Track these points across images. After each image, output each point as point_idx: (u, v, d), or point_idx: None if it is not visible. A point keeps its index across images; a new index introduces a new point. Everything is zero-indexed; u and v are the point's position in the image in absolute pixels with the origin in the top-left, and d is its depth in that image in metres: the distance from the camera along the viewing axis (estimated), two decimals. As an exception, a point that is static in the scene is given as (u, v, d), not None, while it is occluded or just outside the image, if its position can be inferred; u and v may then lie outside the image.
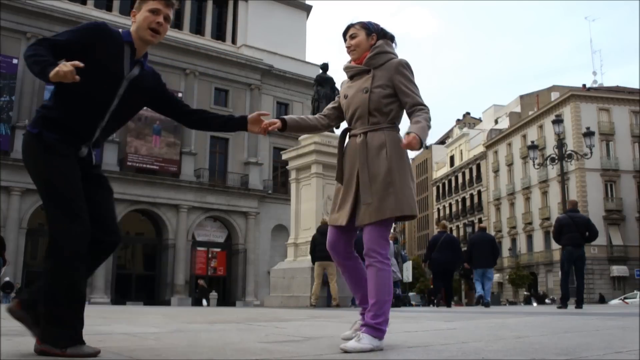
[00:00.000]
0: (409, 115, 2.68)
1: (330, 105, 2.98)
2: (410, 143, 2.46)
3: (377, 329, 2.45)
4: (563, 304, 9.50)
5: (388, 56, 2.75)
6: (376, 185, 2.58)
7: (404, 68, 2.70)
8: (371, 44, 2.78)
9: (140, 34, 2.43)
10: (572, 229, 9.13)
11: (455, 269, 12.27)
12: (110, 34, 2.38)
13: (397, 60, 2.73)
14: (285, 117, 2.81)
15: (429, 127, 2.60)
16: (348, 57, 2.88)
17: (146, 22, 2.41)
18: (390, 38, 2.85)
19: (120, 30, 2.47)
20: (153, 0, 2.42)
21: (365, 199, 2.59)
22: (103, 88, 2.35)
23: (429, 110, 2.67)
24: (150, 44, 2.47)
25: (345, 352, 2.33)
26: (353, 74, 2.81)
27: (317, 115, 2.96)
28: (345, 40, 2.85)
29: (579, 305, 9.20)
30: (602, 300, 35.56)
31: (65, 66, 2.06)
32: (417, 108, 2.65)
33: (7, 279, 14.41)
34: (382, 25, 2.88)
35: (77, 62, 2.10)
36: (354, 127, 2.73)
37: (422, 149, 2.58)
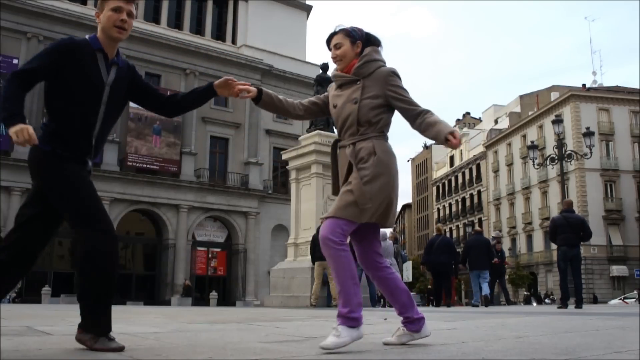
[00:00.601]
0: (422, 121, 2.63)
1: (312, 99, 2.92)
2: (457, 138, 2.50)
3: (350, 318, 2.43)
4: (563, 304, 9.55)
5: (377, 64, 2.72)
6: (355, 188, 2.56)
7: (395, 77, 2.68)
8: (357, 52, 2.74)
9: (107, 33, 2.50)
10: (567, 230, 9.25)
11: (451, 270, 12.52)
12: (79, 48, 2.45)
13: (386, 70, 2.70)
14: (263, 89, 2.78)
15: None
16: None
17: (110, 21, 2.48)
18: (376, 43, 2.80)
19: (87, 36, 2.53)
20: None
21: (340, 198, 2.60)
22: (88, 100, 2.45)
23: None
24: (118, 41, 2.54)
25: (326, 349, 2.31)
26: (341, 83, 2.76)
27: (296, 102, 2.91)
28: (329, 48, 2.80)
29: (578, 305, 9.25)
30: (595, 300, 35.56)
31: (22, 134, 2.19)
32: (425, 111, 2.65)
33: None
34: (365, 30, 2.83)
35: (33, 137, 2.23)
36: (344, 137, 2.71)
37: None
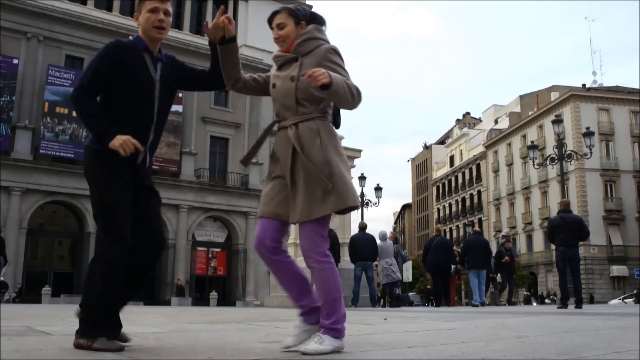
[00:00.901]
0: None
1: (254, 76, 2.71)
2: (315, 72, 2.26)
3: (334, 329, 2.35)
4: (563, 304, 9.56)
5: (317, 42, 2.54)
6: (314, 180, 2.39)
7: (333, 53, 2.51)
8: (300, 32, 2.56)
9: (147, 34, 2.59)
10: (564, 230, 9.27)
11: (449, 270, 12.68)
12: (127, 48, 2.55)
13: (326, 47, 2.52)
14: (235, 37, 2.60)
15: (350, 89, 2.38)
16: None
17: (149, 22, 2.56)
18: (321, 22, 2.63)
19: (131, 38, 2.62)
20: (149, 0, 2.57)
21: (305, 195, 2.40)
22: (142, 97, 2.55)
23: (359, 90, 2.46)
24: (159, 41, 2.64)
25: (307, 354, 2.25)
26: (281, 64, 2.59)
27: (248, 74, 2.70)
28: (271, 28, 2.61)
29: (578, 305, 9.27)
30: (592, 300, 35.59)
31: (128, 147, 2.36)
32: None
33: (1, 278, 14.42)
34: (311, 10, 2.70)
35: (138, 145, 2.40)
36: (284, 117, 2.56)
37: (326, 92, 2.31)
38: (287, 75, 2.52)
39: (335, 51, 2.53)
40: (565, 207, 9.76)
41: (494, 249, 14.59)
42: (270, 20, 2.62)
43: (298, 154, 2.45)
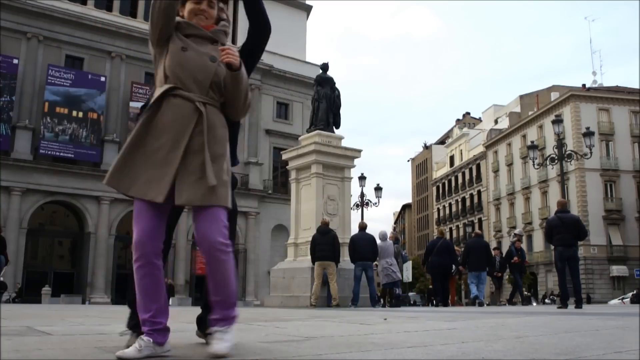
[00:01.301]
0: None
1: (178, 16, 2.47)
2: (232, 50, 2.32)
3: (154, 330, 2.19)
4: (563, 304, 9.58)
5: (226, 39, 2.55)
6: (217, 167, 2.22)
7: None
8: (221, 17, 2.56)
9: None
10: (562, 230, 9.30)
11: (451, 271, 12.96)
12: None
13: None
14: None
15: (247, 91, 2.42)
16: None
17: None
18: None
19: None
20: None
21: (210, 177, 2.17)
22: None
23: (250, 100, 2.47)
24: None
25: (225, 356, 2.12)
26: (193, 34, 2.41)
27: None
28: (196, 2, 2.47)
29: (578, 305, 9.29)
30: (589, 300, 35.59)
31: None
32: None
33: (1, 278, 14.45)
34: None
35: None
36: (188, 89, 2.29)
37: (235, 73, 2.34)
38: (206, 52, 2.37)
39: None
40: (562, 207, 9.80)
41: (504, 249, 14.71)
42: None
43: (205, 135, 2.24)
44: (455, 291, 16.30)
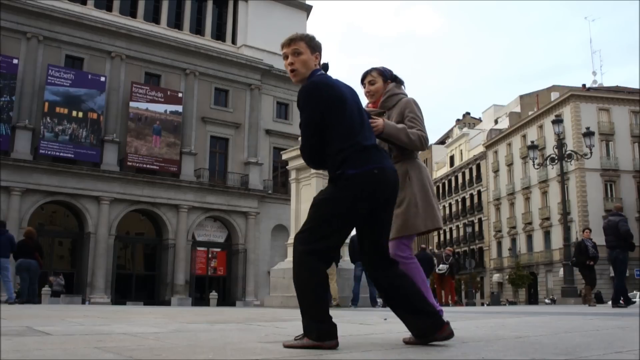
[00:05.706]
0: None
1: None
2: (373, 123, 2.86)
3: None
4: (616, 302, 10.22)
5: (399, 97, 3.25)
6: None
7: (411, 105, 3.19)
8: (386, 89, 3.30)
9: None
10: (607, 232, 10.13)
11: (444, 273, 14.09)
12: None
13: (406, 99, 3.22)
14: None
15: (407, 136, 3.04)
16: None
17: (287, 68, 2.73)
18: (399, 81, 3.34)
19: None
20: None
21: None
22: None
23: (423, 137, 3.10)
24: (297, 83, 2.73)
25: None
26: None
27: None
28: (363, 85, 3.31)
29: (614, 304, 10.05)
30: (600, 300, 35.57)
31: None
32: (416, 128, 3.15)
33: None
34: (393, 72, 3.37)
35: None
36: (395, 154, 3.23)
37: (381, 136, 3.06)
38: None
39: (413, 102, 3.23)
40: (614, 211, 10.66)
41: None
42: (363, 79, 3.32)
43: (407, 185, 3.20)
44: (454, 291, 16.40)
